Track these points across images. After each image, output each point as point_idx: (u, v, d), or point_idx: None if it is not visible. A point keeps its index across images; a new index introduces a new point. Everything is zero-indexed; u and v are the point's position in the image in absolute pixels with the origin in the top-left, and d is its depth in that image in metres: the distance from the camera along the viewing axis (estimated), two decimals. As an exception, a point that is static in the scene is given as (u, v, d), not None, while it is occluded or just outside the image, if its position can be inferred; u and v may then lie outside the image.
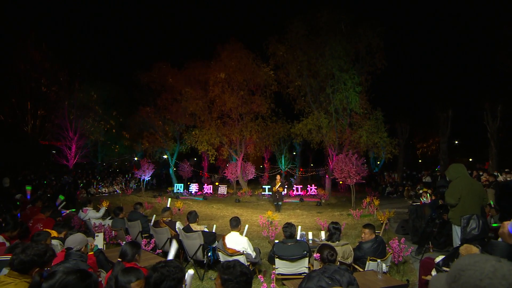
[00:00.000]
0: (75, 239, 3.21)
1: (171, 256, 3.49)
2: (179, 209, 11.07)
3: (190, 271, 2.55)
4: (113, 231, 6.05)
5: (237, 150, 19.01)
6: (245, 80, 17.69)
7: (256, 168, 20.97)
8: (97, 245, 4.19)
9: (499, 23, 18.26)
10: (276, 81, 17.67)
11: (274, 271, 3.90)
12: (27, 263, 2.22)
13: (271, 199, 14.39)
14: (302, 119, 16.09)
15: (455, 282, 0.93)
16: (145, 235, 5.91)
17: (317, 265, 3.59)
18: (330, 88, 14.85)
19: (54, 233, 4.12)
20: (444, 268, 3.07)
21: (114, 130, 25.47)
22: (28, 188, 9.13)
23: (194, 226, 5.28)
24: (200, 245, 4.77)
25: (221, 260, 4.36)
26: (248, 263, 4.28)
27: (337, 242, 4.17)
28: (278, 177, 12.95)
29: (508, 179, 9.23)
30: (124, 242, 3.64)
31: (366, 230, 4.32)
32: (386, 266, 4.09)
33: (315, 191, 18.11)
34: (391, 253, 4.33)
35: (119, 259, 2.86)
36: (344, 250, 4.00)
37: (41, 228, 4.80)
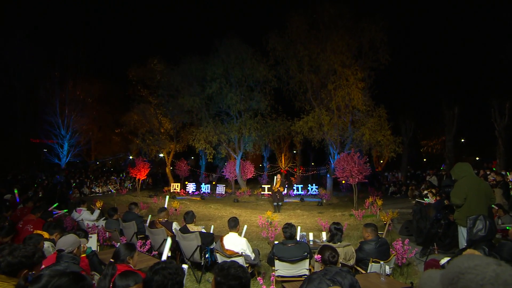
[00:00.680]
0: (67, 241, 3.20)
1: (165, 255, 3.50)
2: (175, 210, 11.07)
3: (184, 266, 2.56)
4: (107, 233, 6.04)
5: (236, 148, 19.00)
6: (243, 76, 17.65)
7: (255, 167, 20.98)
8: (90, 247, 4.18)
9: (507, 17, 18.26)
10: (276, 77, 17.64)
11: (273, 273, 3.91)
12: (15, 265, 2.20)
13: (270, 199, 14.41)
14: (303, 117, 16.07)
15: (453, 285, 0.91)
16: (141, 236, 5.90)
17: (318, 267, 3.60)
18: (332, 84, 14.83)
19: (45, 235, 4.11)
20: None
21: (107, 128, 25.45)
22: (16, 191, 9.10)
23: (191, 227, 5.28)
24: (198, 246, 4.77)
25: (219, 261, 4.36)
26: (247, 265, 4.28)
27: (339, 243, 4.17)
28: (278, 176, 12.96)
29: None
30: (118, 244, 3.64)
31: (369, 229, 4.31)
32: (390, 268, 4.09)
33: (316, 190, 18.14)
34: (395, 255, 4.33)
35: (111, 260, 2.86)
36: (346, 251, 4.01)
37: (31, 229, 4.79)
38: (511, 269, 0.89)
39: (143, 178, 17.60)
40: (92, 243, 4.91)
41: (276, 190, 12.38)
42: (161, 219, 5.75)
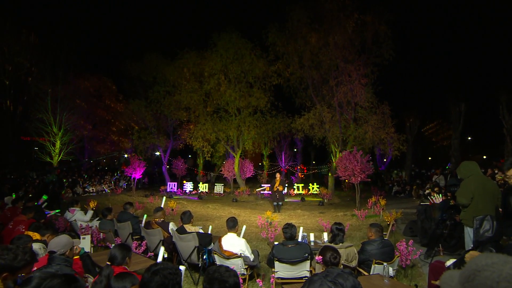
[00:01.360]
0: (59, 242, 3.19)
1: (160, 258, 3.53)
2: (172, 209, 11.08)
3: (181, 267, 2.57)
4: (101, 233, 6.04)
5: (234, 146, 19.00)
6: (242, 72, 17.63)
7: (254, 165, 20.99)
8: (83, 248, 4.17)
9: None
10: (276, 73, 17.62)
11: (273, 274, 3.91)
12: None
13: (270, 198, 14.42)
14: (304, 114, 16.06)
15: (469, 282, 0.92)
16: (136, 237, 5.90)
17: (319, 269, 3.60)
18: (334, 81, 14.81)
19: (36, 236, 4.09)
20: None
21: (102, 125, 25.39)
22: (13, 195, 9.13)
23: (188, 227, 5.28)
24: (195, 247, 4.77)
25: (217, 263, 4.36)
26: (246, 267, 4.28)
27: (341, 244, 4.17)
28: (278, 175, 12.96)
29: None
30: (113, 245, 3.63)
31: (373, 230, 4.31)
32: (393, 270, 4.09)
33: (317, 190, 18.16)
34: (399, 256, 4.33)
35: (108, 263, 2.85)
36: (348, 252, 4.01)
37: (23, 230, 4.78)
38: None
39: (138, 177, 17.60)
40: (86, 244, 4.90)
41: (276, 189, 12.39)
42: (157, 219, 5.74)
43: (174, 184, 19.31)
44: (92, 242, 5.60)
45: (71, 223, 6.96)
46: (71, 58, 19.96)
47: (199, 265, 4.79)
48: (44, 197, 8.03)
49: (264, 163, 28.33)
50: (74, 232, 6.32)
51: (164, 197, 9.61)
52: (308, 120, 15.71)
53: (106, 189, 18.61)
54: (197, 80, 18.31)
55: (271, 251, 4.19)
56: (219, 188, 18.82)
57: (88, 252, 4.54)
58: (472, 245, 4.22)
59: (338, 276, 2.49)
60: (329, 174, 17.86)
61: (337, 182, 17.76)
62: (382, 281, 3.37)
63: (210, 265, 4.77)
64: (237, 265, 4.13)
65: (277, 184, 12.40)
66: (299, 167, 29.73)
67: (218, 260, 4.36)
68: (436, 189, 11.05)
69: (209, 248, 4.83)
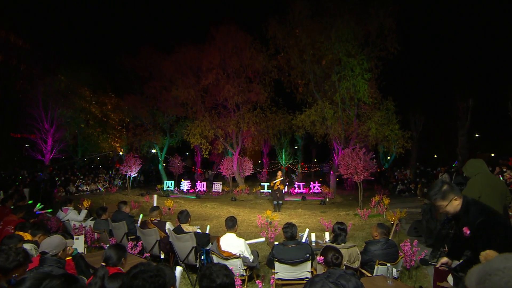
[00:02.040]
0: (51, 242, 3.18)
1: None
2: (169, 209, 11.08)
3: (179, 268, 2.58)
4: (96, 234, 6.04)
5: (233, 143, 18.99)
6: (242, 66, 17.59)
7: (254, 163, 21.00)
8: (76, 249, 4.17)
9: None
10: (276, 68, 17.57)
11: (273, 275, 3.92)
12: None
13: (270, 197, 14.45)
14: (305, 110, 16.04)
15: (480, 285, 0.93)
16: (131, 237, 5.91)
17: (320, 269, 3.61)
18: (336, 75, 14.77)
19: (27, 236, 4.09)
20: (461, 274, 3.07)
21: (96, 121, 25.32)
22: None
23: (185, 227, 5.28)
24: (192, 247, 4.78)
25: (215, 264, 4.37)
26: (245, 267, 4.29)
27: (343, 244, 4.18)
28: (278, 173, 12.98)
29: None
30: (107, 245, 3.63)
31: (379, 230, 4.31)
32: (397, 271, 4.11)
33: (319, 188, 18.19)
34: (403, 257, 4.34)
35: (102, 264, 2.85)
36: (350, 253, 4.02)
37: (11, 230, 4.77)
38: None
39: (134, 175, 17.59)
40: (79, 244, 4.91)
41: (276, 188, 12.41)
42: (153, 219, 5.74)
43: (171, 183, 19.31)
44: (86, 242, 5.60)
45: (64, 223, 6.97)
46: (63, 50, 19.90)
47: (197, 266, 4.80)
48: (39, 205, 8.04)
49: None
50: (67, 232, 6.33)
51: (155, 195, 9.56)
52: (309, 117, 15.68)
53: (100, 188, 18.61)
54: (195, 75, 18.26)
55: (271, 252, 4.20)
56: (217, 186, 18.82)
57: (82, 252, 4.54)
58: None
59: (340, 277, 2.49)
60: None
61: (339, 180, 17.77)
62: (386, 283, 3.38)
63: (208, 266, 4.78)
64: (236, 266, 4.14)
65: (278, 183, 12.41)
66: (299, 165, 29.76)
67: (217, 261, 4.36)
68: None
69: (207, 248, 4.84)
